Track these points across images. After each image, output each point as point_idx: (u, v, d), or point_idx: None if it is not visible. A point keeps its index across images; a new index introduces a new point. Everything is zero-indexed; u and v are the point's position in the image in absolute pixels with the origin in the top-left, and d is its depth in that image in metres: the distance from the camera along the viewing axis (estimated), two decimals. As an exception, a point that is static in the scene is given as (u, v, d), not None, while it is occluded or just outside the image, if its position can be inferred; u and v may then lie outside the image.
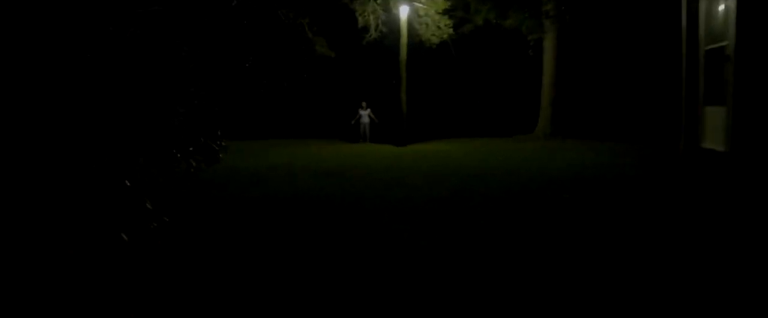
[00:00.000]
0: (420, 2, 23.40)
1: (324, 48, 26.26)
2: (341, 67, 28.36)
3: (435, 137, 26.26)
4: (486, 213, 9.02)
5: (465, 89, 29.64)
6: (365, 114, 25.31)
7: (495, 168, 15.14)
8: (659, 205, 9.58)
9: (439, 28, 24.03)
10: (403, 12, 22.80)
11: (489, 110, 27.52)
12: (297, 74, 31.52)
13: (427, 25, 24.08)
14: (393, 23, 24.24)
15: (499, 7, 25.12)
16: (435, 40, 24.32)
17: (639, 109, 26.73)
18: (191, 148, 5.83)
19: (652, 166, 14.03)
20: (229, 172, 14.60)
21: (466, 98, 29.85)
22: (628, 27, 25.61)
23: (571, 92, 26.10)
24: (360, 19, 24.41)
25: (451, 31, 24.10)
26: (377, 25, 24.26)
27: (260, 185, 12.57)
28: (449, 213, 9.04)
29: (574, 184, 11.93)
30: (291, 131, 28.29)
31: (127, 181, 4.84)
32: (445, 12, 23.74)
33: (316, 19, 25.95)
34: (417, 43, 24.94)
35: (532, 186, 11.87)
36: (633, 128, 25.47)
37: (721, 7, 11.44)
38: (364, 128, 25.33)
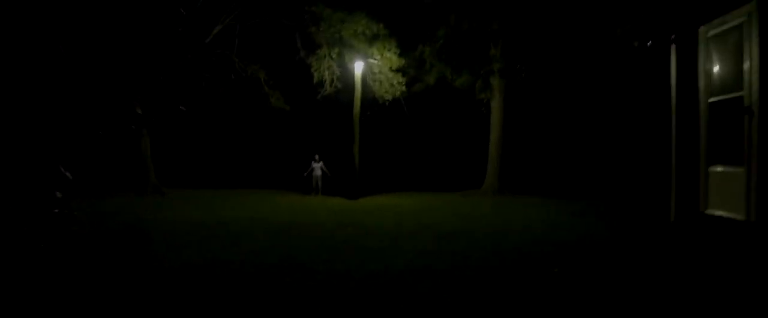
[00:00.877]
0: (374, 60, 21.79)
1: (279, 101, 24.45)
2: (296, 121, 26.38)
3: (385, 190, 24.53)
4: (460, 294, 6.94)
5: (415, 145, 27.97)
6: (318, 167, 23.35)
7: (455, 227, 13.26)
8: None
9: (392, 85, 22.55)
10: (358, 68, 21.24)
11: (438, 165, 25.74)
12: (253, 126, 29.50)
13: (380, 82, 22.60)
14: (347, 79, 22.65)
15: (451, 67, 23.67)
16: (388, 96, 22.77)
17: (591, 167, 25.45)
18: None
19: (633, 232, 12.29)
20: (167, 226, 12.23)
21: (415, 153, 28.18)
22: (581, 83, 24.40)
23: (518, 150, 24.65)
24: (316, 74, 22.78)
25: (403, 88, 22.51)
26: (332, 81, 22.57)
27: (194, 247, 10.23)
28: (415, 294, 6.92)
29: (551, 250, 10.02)
30: (245, 181, 26.00)
31: None
32: (399, 70, 22.05)
33: (272, 72, 24.02)
34: (370, 99, 23.29)
35: (506, 251, 9.93)
36: (585, 186, 24.14)
37: (731, 54, 9.59)
38: (316, 181, 23.30)
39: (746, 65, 8.90)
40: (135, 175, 22.38)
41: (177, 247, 9.98)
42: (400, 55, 22.30)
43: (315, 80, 22.96)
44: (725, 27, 9.45)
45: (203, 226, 12.88)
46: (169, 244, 10.21)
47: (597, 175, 25.29)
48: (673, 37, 11.29)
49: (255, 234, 11.90)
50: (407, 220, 14.59)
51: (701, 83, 10.53)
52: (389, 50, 22.07)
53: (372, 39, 21.62)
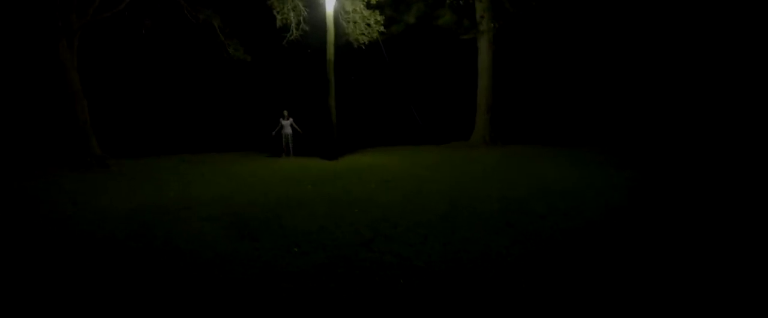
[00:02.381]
0: (347, -4, 18.07)
1: (238, 51, 20.49)
2: (259, 73, 22.51)
3: (365, 146, 21.05)
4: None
5: (393, 94, 24.41)
6: (287, 124, 19.80)
7: (492, 197, 10.13)
8: None
9: (368, 26, 18.80)
10: (330, 5, 17.40)
11: (418, 116, 22.36)
12: (209, 81, 25.42)
13: (354, 22, 18.83)
14: (316, 21, 18.82)
15: (432, 4, 20.17)
16: (364, 39, 19.12)
17: (577, 113, 22.54)
18: None
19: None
20: (91, 219, 8.80)
21: (394, 104, 24.65)
22: (568, 28, 21.22)
23: (504, 97, 21.48)
24: (278, 17, 18.83)
25: (381, 28, 18.85)
26: (299, 23, 18.74)
27: (146, 259, 6.91)
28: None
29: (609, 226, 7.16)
30: (205, 145, 22.25)
31: None
32: (376, 7, 18.37)
33: (228, 18, 20.05)
34: (343, 45, 19.57)
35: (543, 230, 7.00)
36: (583, 134, 21.31)
37: None
38: (286, 140, 19.83)
39: None
40: (71, 145, 18.45)
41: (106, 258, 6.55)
42: (376, -9, 18.68)
43: (278, 24, 19.11)
44: None
45: (155, 217, 9.37)
46: (95, 258, 6.77)
47: (583, 121, 22.58)
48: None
49: (216, 225, 8.52)
50: (414, 189, 11.29)
51: None
52: (363, -16, 18.42)
53: (343, -28, 17.90)
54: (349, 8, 18.66)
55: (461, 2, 20.45)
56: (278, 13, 18.95)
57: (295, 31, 18.98)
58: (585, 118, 22.17)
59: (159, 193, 11.59)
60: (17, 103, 21.00)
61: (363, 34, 19.20)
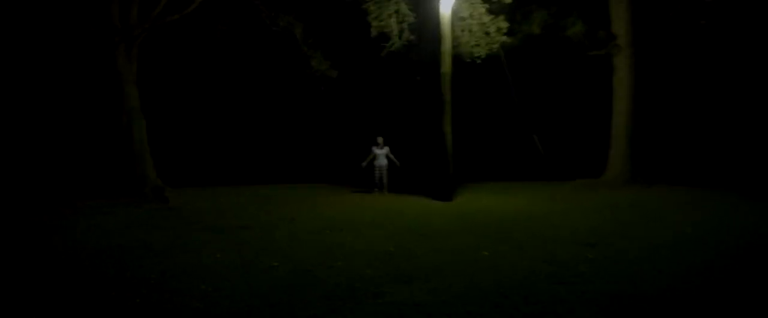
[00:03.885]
0: (464, -2, 14.02)
1: (323, 65, 16.64)
2: (347, 91, 18.54)
3: (475, 180, 16.72)
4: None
5: (510, 118, 19.85)
6: (382, 154, 15.72)
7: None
8: None
9: (486, 35, 14.54)
10: (446, 5, 13.25)
11: (542, 146, 17.71)
12: (287, 99, 21.39)
13: (470, 31, 14.61)
14: (423, 29, 14.75)
15: (557, 12, 15.89)
16: (480, 52, 14.90)
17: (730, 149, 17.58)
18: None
19: None
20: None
21: (511, 129, 20.05)
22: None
23: (646, 125, 16.79)
24: (374, 23, 14.82)
25: (504, 38, 14.59)
26: (401, 31, 14.68)
27: None
28: None
29: None
30: (282, 175, 18.37)
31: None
32: (502, 12, 14.21)
33: (312, 28, 16.29)
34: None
35: None
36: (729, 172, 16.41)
37: None
38: (380, 173, 15.74)
39: None
40: (126, 171, 14.83)
41: None
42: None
43: (373, 33, 15.17)
44: None
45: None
46: None
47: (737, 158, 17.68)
48: None
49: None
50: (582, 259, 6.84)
51: None
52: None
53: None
54: (465, 13, 14.54)
55: (594, 10, 16.14)
56: (374, 18, 15.00)
57: (397, 40, 14.96)
58: (749, 153, 17.22)
59: (237, 253, 7.55)
60: (68, 121, 17.69)
61: (478, 45, 15.02)
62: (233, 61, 18.00)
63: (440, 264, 6.74)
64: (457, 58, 15.04)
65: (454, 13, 14.35)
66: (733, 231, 8.74)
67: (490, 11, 14.52)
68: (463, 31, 14.76)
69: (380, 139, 15.92)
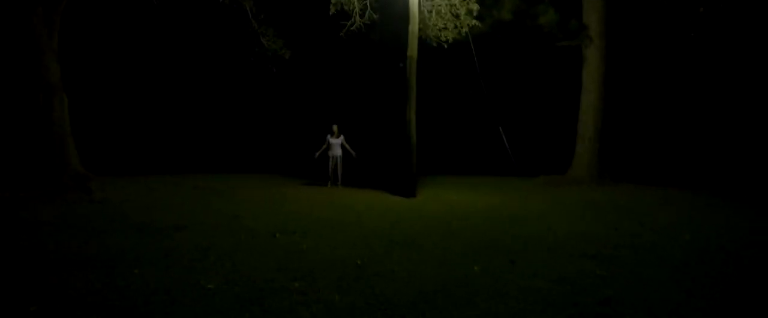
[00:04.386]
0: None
1: (276, 44, 14.92)
2: (300, 75, 16.80)
3: (437, 172, 15.44)
4: None
5: (474, 109, 18.57)
6: (337, 143, 14.23)
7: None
8: None
9: (455, 17, 13.18)
10: (414, -17, 11.85)
11: (507, 140, 16.55)
12: (234, 82, 19.20)
13: (437, 13, 13.21)
14: (387, 7, 13.25)
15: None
16: (448, 35, 13.50)
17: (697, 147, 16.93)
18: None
19: None
20: None
21: (474, 121, 18.76)
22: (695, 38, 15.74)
23: (611, 121, 15.92)
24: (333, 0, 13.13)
25: (473, 22, 13.27)
26: (364, 8, 13.12)
27: None
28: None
29: None
30: (228, 164, 16.52)
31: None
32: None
33: (265, 2, 14.55)
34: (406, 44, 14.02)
35: None
36: (691, 170, 15.77)
37: None
38: (334, 163, 14.18)
39: None
40: (41, 159, 12.70)
41: None
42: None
43: (332, 10, 13.53)
44: None
45: None
46: None
47: (704, 157, 17.12)
48: None
49: None
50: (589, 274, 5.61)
51: None
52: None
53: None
54: (434, -7, 13.12)
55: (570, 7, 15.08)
56: (334, -5, 13.37)
57: (358, 19, 13.37)
58: (720, 150, 16.59)
59: (163, 267, 5.90)
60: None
61: (445, 28, 13.64)
62: (172, 35, 15.87)
63: (427, 286, 5.31)
64: (421, 42, 13.61)
65: (422, -7, 12.92)
66: (736, 238, 7.75)
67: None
68: (430, 12, 13.32)
69: (335, 128, 14.39)
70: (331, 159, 14.31)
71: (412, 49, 12.06)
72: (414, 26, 12.06)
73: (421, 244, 7.24)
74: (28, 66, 12.73)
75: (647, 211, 10.32)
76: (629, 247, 7.15)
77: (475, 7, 13.14)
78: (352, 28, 13.35)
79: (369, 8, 13.26)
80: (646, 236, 7.91)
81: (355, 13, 13.30)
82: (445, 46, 13.86)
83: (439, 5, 13.34)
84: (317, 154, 14.29)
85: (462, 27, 13.49)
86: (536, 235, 7.96)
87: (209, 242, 7.07)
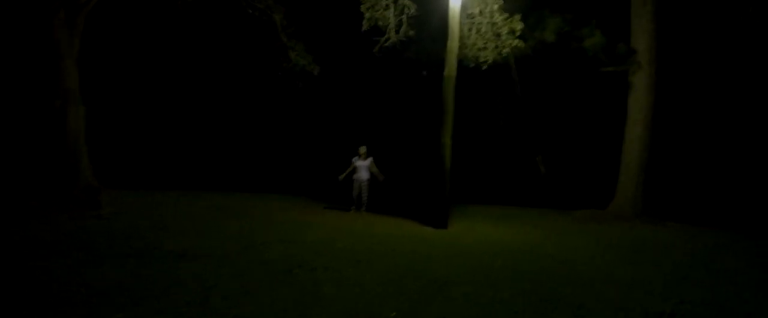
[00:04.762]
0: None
1: (304, 59, 14.09)
2: (329, 92, 15.93)
3: (468, 201, 14.33)
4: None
5: (510, 135, 17.45)
6: (363, 166, 13.21)
7: None
8: None
9: (496, 37, 12.22)
10: (455, 0, 10.91)
11: (545, 169, 15.39)
12: (259, 97, 18.30)
13: (478, 31, 12.27)
14: (424, 24, 12.37)
15: (573, 20, 13.73)
16: (488, 56, 12.51)
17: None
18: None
19: None
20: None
21: (509, 147, 17.60)
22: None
23: (658, 154, 14.69)
24: (368, 14, 12.36)
25: (516, 42, 12.27)
26: (400, 24, 12.22)
27: None
28: None
29: None
30: (248, 182, 15.70)
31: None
32: (516, 12, 11.93)
33: (294, 15, 13.78)
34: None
35: None
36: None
37: None
38: (359, 188, 13.25)
39: None
40: (54, 169, 11.95)
41: None
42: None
43: (365, 25, 12.67)
44: None
45: None
46: None
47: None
48: None
49: None
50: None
51: None
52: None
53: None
54: (475, 9, 12.17)
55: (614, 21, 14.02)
56: (369, 9, 12.53)
57: (393, 35, 12.47)
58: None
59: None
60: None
61: (485, 48, 12.66)
62: (197, 45, 15.19)
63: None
64: (458, 63, 12.64)
65: (463, 8, 11.98)
66: None
67: (503, 9, 12.19)
68: (470, 30, 12.37)
69: (362, 150, 13.42)
70: (355, 182, 13.32)
71: (451, 68, 11.08)
72: (453, 43, 11.10)
73: (465, 290, 6.17)
74: (46, 71, 12.08)
75: (709, 257, 9.09)
76: (709, 305, 5.99)
77: (519, 26, 12.15)
78: (385, 45, 12.47)
79: (405, 24, 12.36)
80: (722, 290, 6.72)
81: (390, 29, 12.41)
82: (484, 68, 12.89)
83: (480, 23, 12.39)
84: (342, 177, 13.31)
85: (503, 47, 12.50)
86: (594, 283, 6.83)
87: (215, 278, 6.10)
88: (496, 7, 11.98)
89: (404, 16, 12.32)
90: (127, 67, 15.85)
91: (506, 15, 12.14)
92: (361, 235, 9.76)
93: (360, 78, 15.57)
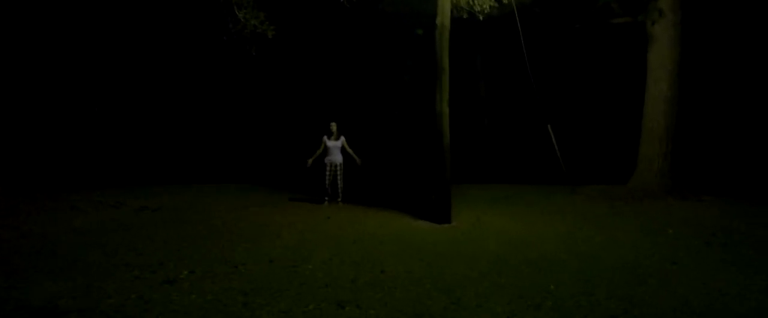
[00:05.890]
0: None
1: (256, 19, 11.13)
2: (289, 57, 12.96)
3: (463, 180, 11.75)
4: None
5: (499, 101, 14.72)
6: (336, 146, 10.48)
7: None
8: None
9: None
10: None
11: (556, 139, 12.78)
12: (198, 66, 14.75)
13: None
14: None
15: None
16: (485, 2, 9.79)
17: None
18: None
19: None
20: None
21: (506, 113, 14.87)
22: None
23: (684, 120, 12.30)
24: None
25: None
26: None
27: None
28: None
29: None
30: (195, 171, 12.84)
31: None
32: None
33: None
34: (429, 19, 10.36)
35: None
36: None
37: None
38: (332, 173, 10.53)
39: None
40: None
41: None
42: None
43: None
44: None
45: None
46: None
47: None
48: None
49: None
50: None
51: None
52: None
53: None
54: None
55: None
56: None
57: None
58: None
59: None
60: None
61: (481, -6, 9.93)
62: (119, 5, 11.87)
63: None
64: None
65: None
66: None
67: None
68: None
69: (334, 126, 10.63)
70: (328, 167, 10.56)
71: (444, 13, 8.31)
72: (448, -18, 8.35)
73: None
74: None
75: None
76: None
77: None
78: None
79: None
80: None
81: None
82: (480, 18, 10.19)
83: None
84: (310, 160, 10.52)
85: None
86: (684, 306, 4.31)
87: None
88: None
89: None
90: (40, 33, 12.39)
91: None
92: (342, 240, 7.05)
93: (326, 39, 12.46)
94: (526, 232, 7.76)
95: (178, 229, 7.53)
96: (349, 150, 10.58)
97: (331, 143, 10.57)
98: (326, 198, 10.56)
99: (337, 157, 10.57)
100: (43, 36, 12.79)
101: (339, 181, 10.59)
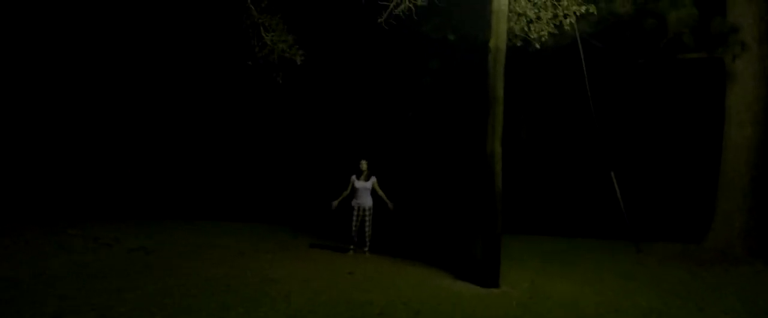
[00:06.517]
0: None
1: (283, 43, 10.03)
2: (319, 86, 11.79)
3: (514, 230, 10.21)
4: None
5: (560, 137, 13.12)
6: (365, 187, 9.05)
7: None
8: None
9: (554, 5, 8.22)
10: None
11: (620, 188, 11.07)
12: (221, 91, 13.48)
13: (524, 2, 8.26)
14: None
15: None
16: (542, 30, 8.48)
17: None
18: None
19: None
20: None
21: (563, 154, 13.22)
22: None
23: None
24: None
25: (583, 8, 8.26)
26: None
27: None
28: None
29: None
30: (206, 207, 11.65)
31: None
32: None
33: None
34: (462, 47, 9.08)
35: None
36: None
37: None
38: (359, 217, 9.14)
39: None
40: None
41: None
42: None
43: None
44: None
45: None
46: None
47: None
48: None
49: None
50: None
51: None
52: None
53: None
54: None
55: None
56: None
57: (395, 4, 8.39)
58: None
59: None
60: None
61: (539, 20, 8.58)
62: (134, 24, 10.95)
63: None
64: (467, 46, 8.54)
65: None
66: None
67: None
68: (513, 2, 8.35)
69: (364, 164, 9.31)
70: (355, 211, 9.19)
71: (499, 35, 6.97)
72: (501, 3, 7.03)
73: None
74: None
75: None
76: None
77: (578, 5, 8.10)
78: (396, 12, 8.39)
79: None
80: None
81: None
82: (537, 47, 8.84)
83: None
84: (336, 202, 9.18)
85: (564, 16, 8.44)
86: None
87: None
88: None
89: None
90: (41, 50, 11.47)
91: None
92: (365, 307, 5.61)
93: (360, 66, 11.16)
94: (599, 305, 6.16)
95: (166, 280, 6.22)
96: (381, 192, 9.21)
97: (360, 184, 9.22)
98: (352, 247, 9.16)
99: (366, 201, 9.20)
100: (57, 56, 12.05)
101: (367, 228, 9.19)
